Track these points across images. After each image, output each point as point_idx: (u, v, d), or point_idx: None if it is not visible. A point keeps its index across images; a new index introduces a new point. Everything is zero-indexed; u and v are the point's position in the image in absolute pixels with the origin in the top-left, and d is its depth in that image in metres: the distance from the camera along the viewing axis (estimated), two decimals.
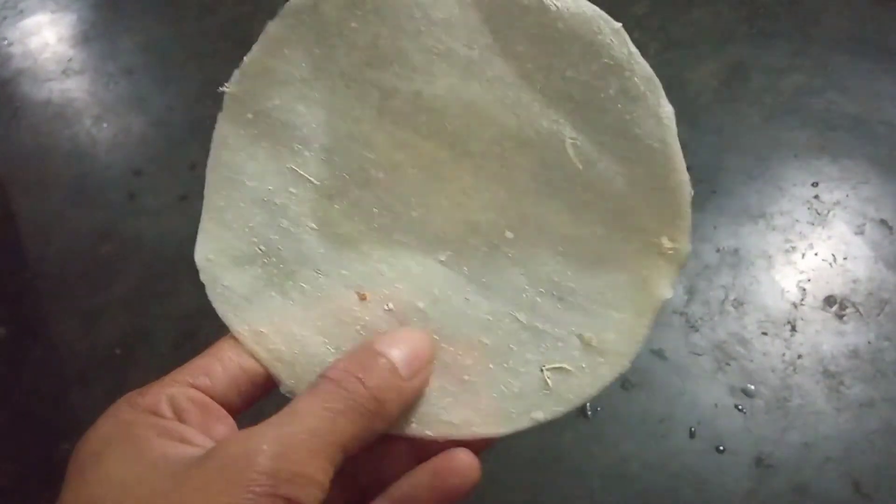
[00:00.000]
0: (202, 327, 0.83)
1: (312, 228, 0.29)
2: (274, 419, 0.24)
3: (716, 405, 0.73)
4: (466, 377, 0.28)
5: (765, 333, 0.77)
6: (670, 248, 0.27)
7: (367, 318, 0.29)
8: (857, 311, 0.78)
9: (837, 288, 0.80)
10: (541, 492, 0.71)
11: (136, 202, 0.95)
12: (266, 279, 0.29)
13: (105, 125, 1.04)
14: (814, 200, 0.87)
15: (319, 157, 0.29)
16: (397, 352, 0.26)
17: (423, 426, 0.27)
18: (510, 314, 0.28)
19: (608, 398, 0.74)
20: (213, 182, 0.30)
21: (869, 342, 0.76)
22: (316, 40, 0.29)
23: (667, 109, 0.27)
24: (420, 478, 0.26)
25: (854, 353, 0.76)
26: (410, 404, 0.27)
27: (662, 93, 0.27)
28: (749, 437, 0.71)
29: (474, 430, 0.27)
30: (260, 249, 0.29)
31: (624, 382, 0.75)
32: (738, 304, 0.80)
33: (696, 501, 0.69)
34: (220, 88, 0.30)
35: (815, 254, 0.83)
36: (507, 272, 0.28)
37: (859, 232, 0.84)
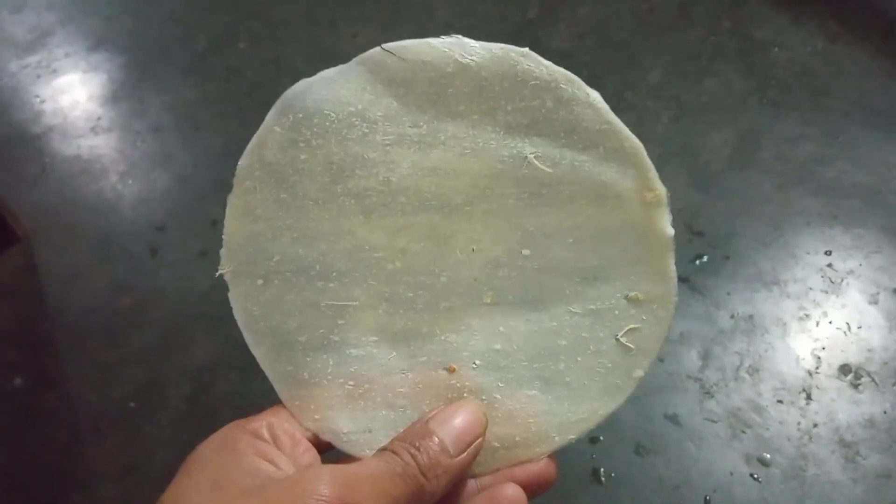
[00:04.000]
0: (217, 383, 0.84)
1: (376, 341, 0.32)
2: (342, 464, 0.28)
3: (731, 473, 0.72)
4: (567, 379, 0.31)
5: (780, 401, 0.77)
6: (652, 197, 0.30)
7: (466, 383, 0.31)
8: (873, 380, 0.78)
9: (852, 356, 0.80)
10: None
11: (158, 257, 0.97)
12: (371, 405, 0.32)
13: (130, 181, 1.07)
14: (827, 269, 0.88)
15: (343, 281, 0.32)
16: (448, 429, 0.29)
17: (545, 446, 0.31)
18: (567, 311, 0.31)
19: (622, 463, 0.73)
20: (267, 354, 0.32)
21: (885, 412, 0.75)
22: (277, 187, 0.32)
23: (594, 96, 0.31)
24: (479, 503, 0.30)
25: (870, 423, 0.75)
26: (459, 477, 0.29)
27: (583, 84, 0.31)
28: None
29: (600, 413, 0.31)
30: (350, 386, 0.32)
31: (638, 448, 0.74)
32: (754, 370, 0.80)
33: None
34: (217, 273, 0.32)
35: (830, 322, 0.83)
36: (543, 282, 0.31)
37: (873, 301, 0.84)
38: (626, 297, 0.31)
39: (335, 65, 0.32)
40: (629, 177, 0.31)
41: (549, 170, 0.31)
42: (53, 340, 0.93)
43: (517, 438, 0.31)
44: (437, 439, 0.29)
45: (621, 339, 0.31)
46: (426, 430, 0.29)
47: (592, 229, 0.31)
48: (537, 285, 0.31)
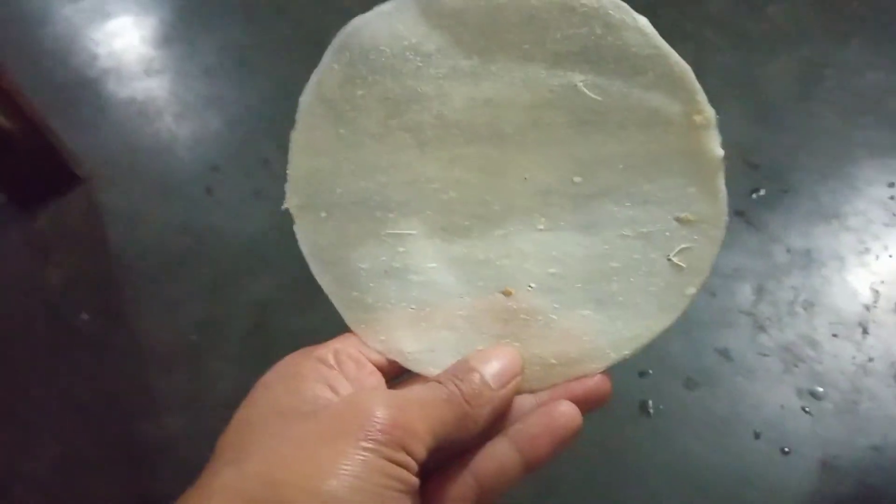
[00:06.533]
0: (272, 318, 0.86)
1: (435, 268, 0.33)
2: (389, 390, 0.30)
3: (782, 406, 0.72)
4: (621, 299, 0.32)
5: (835, 335, 0.76)
6: (700, 120, 0.30)
7: (522, 304, 0.33)
8: None
9: None
10: (601, 487, 0.71)
11: (213, 196, 0.99)
12: (433, 327, 0.33)
13: (185, 123, 1.09)
14: (889, 201, 0.85)
15: (402, 212, 0.33)
16: (489, 367, 0.31)
17: (601, 362, 0.32)
18: (619, 235, 0.32)
19: (671, 397, 0.74)
20: (333, 282, 0.34)
21: None
22: (336, 123, 0.33)
23: (642, 21, 0.30)
24: (534, 419, 0.31)
25: None
26: (500, 410, 0.31)
27: (631, 10, 0.31)
28: (816, 440, 0.70)
29: (653, 329, 0.32)
30: (412, 309, 0.33)
31: (687, 381, 0.74)
32: (809, 305, 0.78)
33: (759, 502, 0.68)
34: (283, 207, 0.33)
35: (890, 256, 0.81)
36: (594, 207, 0.32)
37: None
38: (677, 219, 0.31)
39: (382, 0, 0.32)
40: (678, 101, 0.31)
41: (599, 97, 0.31)
42: (117, 279, 0.97)
43: (573, 355, 0.32)
44: (478, 374, 0.30)
45: (673, 259, 0.31)
46: (468, 366, 0.31)
47: (643, 155, 0.31)
48: (589, 211, 0.32)
